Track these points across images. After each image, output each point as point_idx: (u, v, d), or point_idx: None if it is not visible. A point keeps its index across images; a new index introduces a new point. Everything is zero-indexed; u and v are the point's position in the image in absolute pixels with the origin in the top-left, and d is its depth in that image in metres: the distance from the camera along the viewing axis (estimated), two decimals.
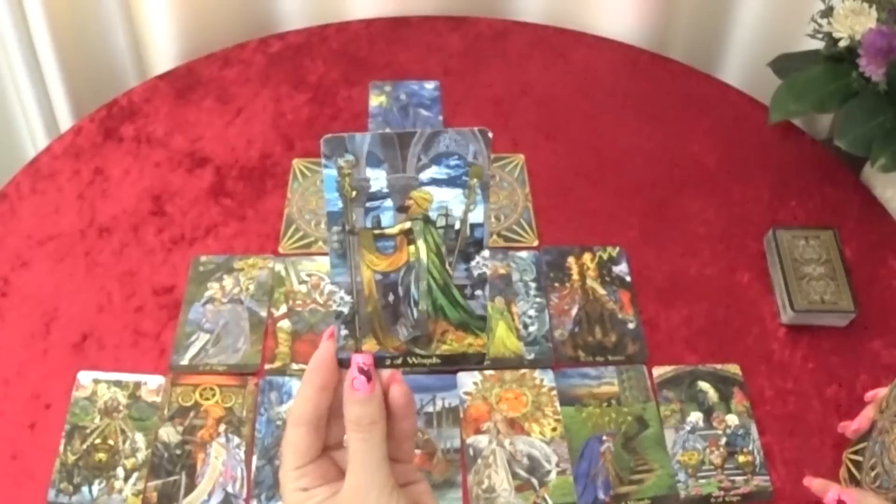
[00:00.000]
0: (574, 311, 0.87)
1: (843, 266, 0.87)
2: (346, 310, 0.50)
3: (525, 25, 1.15)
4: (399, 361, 0.51)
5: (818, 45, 0.94)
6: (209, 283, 0.87)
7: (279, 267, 0.88)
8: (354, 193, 0.48)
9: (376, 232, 0.49)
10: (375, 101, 1.04)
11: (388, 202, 0.48)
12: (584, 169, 0.99)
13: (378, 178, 0.48)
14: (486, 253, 0.49)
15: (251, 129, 1.01)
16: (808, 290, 0.85)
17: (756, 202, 0.96)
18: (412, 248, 0.49)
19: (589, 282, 0.89)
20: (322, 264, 0.89)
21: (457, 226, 0.49)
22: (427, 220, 0.49)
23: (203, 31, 1.12)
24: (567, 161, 1.00)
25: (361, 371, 0.49)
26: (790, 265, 0.87)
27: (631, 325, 0.86)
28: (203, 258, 0.89)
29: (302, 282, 0.87)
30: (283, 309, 0.86)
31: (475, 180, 0.48)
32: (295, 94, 1.05)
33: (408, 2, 1.15)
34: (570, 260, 0.91)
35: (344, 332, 0.50)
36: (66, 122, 1.15)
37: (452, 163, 0.48)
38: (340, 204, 0.48)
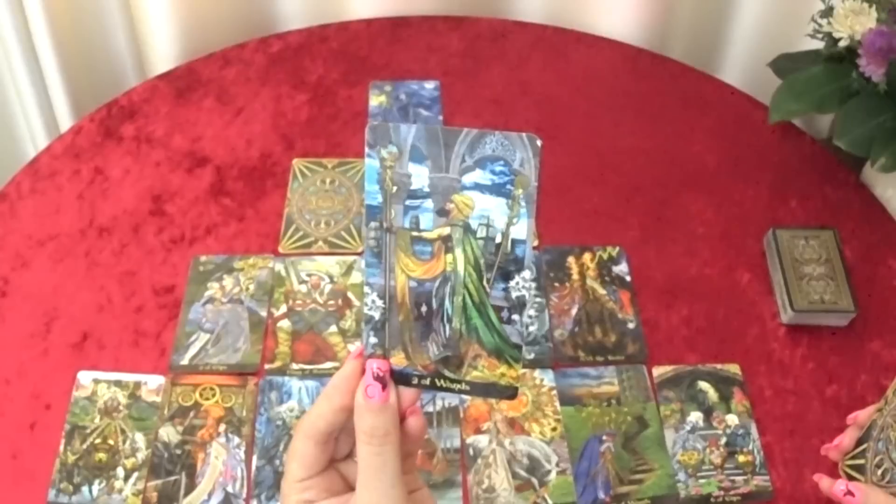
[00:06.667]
0: (574, 311, 0.87)
1: (843, 266, 0.87)
2: (377, 315, 0.48)
3: (525, 25, 1.15)
4: (427, 382, 0.48)
5: (818, 45, 0.94)
6: (209, 283, 0.87)
7: (279, 267, 0.88)
8: (395, 189, 0.46)
9: (414, 234, 0.47)
10: (375, 100, 1.04)
11: (429, 203, 0.46)
12: (584, 169, 0.99)
13: (420, 176, 0.46)
14: (527, 273, 0.46)
15: (251, 128, 1.01)
16: (808, 289, 0.85)
17: (756, 202, 0.96)
18: (449, 256, 0.47)
19: (589, 281, 0.89)
20: (322, 264, 0.89)
21: (497, 239, 0.46)
22: (467, 229, 0.46)
23: (203, 31, 1.12)
24: (567, 161, 1.00)
25: (377, 378, 0.47)
26: (790, 265, 0.87)
27: (631, 325, 0.86)
28: (203, 258, 0.89)
29: (302, 282, 0.87)
30: (283, 309, 0.86)
31: (520, 191, 0.45)
32: (295, 94, 1.05)
33: (408, 2, 1.15)
34: (570, 260, 0.91)
35: (373, 339, 0.48)
36: (66, 121, 1.15)
37: (497, 168, 0.45)
38: (380, 198, 0.46)
